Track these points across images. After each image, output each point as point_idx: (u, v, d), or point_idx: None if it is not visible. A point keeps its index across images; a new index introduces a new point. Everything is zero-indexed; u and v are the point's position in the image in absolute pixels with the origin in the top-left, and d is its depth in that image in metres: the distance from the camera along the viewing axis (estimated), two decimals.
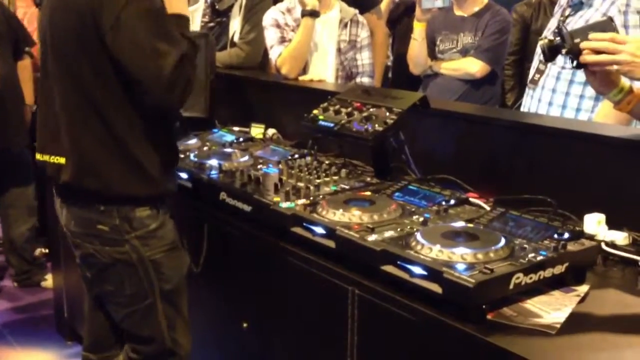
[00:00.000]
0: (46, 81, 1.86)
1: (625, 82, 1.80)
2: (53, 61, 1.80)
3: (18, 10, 4.38)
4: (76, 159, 1.78)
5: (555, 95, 2.49)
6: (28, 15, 4.40)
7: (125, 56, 1.68)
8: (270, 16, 3.24)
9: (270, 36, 3.21)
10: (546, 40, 1.78)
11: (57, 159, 1.81)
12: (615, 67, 1.67)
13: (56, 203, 1.95)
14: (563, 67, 2.46)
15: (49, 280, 3.86)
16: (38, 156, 1.89)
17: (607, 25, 1.72)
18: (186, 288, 1.98)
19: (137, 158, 1.78)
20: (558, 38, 1.75)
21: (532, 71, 2.63)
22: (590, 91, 2.42)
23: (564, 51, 1.74)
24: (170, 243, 1.90)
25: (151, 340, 1.93)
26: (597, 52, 1.69)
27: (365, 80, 3.32)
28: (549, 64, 2.51)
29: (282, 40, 3.18)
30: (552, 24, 2.61)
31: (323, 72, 3.22)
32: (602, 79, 1.78)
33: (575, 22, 2.46)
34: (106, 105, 1.74)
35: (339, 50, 3.27)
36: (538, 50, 2.65)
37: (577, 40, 1.68)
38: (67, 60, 1.77)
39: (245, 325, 2.02)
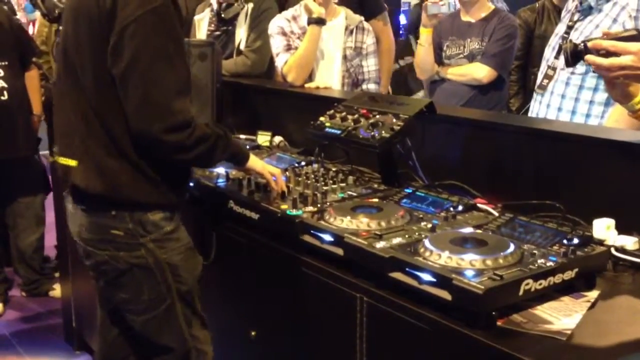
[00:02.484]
0: (60, 86, 1.87)
1: None
2: (64, 68, 1.82)
3: None
4: (87, 163, 1.78)
5: (564, 101, 2.48)
6: None
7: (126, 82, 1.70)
8: (276, 24, 3.25)
9: (276, 44, 3.21)
10: (571, 44, 1.73)
11: (67, 161, 1.81)
12: (622, 72, 1.64)
13: (68, 210, 1.93)
14: (572, 73, 2.45)
15: (57, 290, 3.86)
16: (55, 157, 1.90)
17: (635, 39, 1.67)
18: (199, 288, 1.97)
19: (144, 169, 1.77)
20: (583, 44, 1.70)
21: (540, 76, 2.62)
22: (600, 97, 2.41)
23: (588, 57, 1.69)
24: (186, 244, 1.89)
25: (171, 347, 1.91)
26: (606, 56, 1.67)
27: (372, 86, 3.32)
28: (558, 69, 2.50)
29: (288, 47, 3.19)
30: (560, 29, 2.60)
31: (329, 79, 3.22)
32: (622, 89, 1.76)
33: (584, 27, 2.45)
34: (109, 117, 1.74)
35: (344, 57, 3.27)
36: (546, 55, 2.64)
37: (602, 52, 1.65)
38: (75, 69, 1.78)
39: (253, 333, 2.01)
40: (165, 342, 1.92)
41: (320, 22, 3.10)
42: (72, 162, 1.80)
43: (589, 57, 1.66)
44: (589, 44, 1.66)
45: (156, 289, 1.84)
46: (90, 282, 3.12)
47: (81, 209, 1.84)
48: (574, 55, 1.71)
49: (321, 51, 3.22)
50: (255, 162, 2.00)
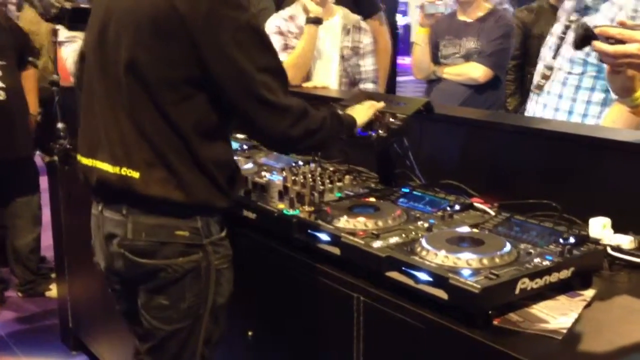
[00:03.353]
0: (107, 99, 1.77)
1: None
2: (130, 80, 1.71)
3: None
4: (160, 174, 1.71)
5: (561, 101, 2.49)
6: None
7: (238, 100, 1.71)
8: (273, 24, 3.25)
9: (274, 44, 3.21)
10: (583, 27, 1.71)
11: (129, 172, 1.74)
12: (626, 59, 1.63)
13: (104, 218, 1.82)
14: (570, 73, 2.45)
15: (53, 290, 3.86)
16: (109, 167, 1.77)
17: None
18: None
19: (212, 172, 1.74)
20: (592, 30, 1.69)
21: (536, 76, 2.62)
22: (597, 97, 2.41)
23: (595, 43, 1.67)
24: (230, 254, 1.86)
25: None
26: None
27: (369, 86, 3.32)
28: (555, 69, 2.51)
29: (285, 47, 3.19)
30: (557, 29, 2.60)
31: (326, 78, 3.22)
32: (624, 82, 1.75)
33: None
34: (186, 129, 1.70)
35: (342, 56, 3.27)
36: (542, 55, 2.65)
37: (611, 41, 1.64)
38: (143, 80, 1.69)
39: (250, 334, 2.01)
40: (182, 354, 1.84)
41: (318, 21, 3.10)
42: (135, 174, 1.73)
43: (595, 42, 1.65)
44: (596, 30, 1.66)
45: (197, 296, 1.79)
46: (87, 283, 3.14)
47: (139, 214, 1.75)
48: (583, 38, 1.69)
49: (318, 51, 3.23)
50: (362, 118, 2.01)
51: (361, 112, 2.03)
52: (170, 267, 1.75)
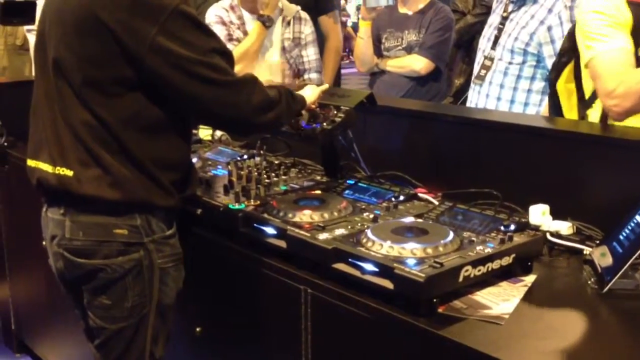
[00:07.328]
0: (51, 97, 1.75)
1: None
2: (55, 76, 1.70)
3: None
4: (93, 172, 1.69)
5: (503, 91, 2.54)
6: None
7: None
8: (214, 13, 3.22)
9: (217, 34, 3.18)
10: None
11: (63, 171, 1.71)
12: None
13: (48, 219, 1.80)
14: (510, 63, 2.51)
15: None
16: (49, 168, 1.75)
17: None
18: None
19: (151, 169, 1.71)
20: None
21: (477, 67, 2.67)
22: (537, 85, 2.48)
23: None
24: (178, 254, 1.84)
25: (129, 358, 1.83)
26: None
27: (314, 76, 3.32)
28: (495, 60, 2.56)
29: (230, 37, 3.16)
30: (494, 20, 2.65)
31: (269, 71, 3.21)
32: None
33: (520, 18, 2.50)
34: (117, 125, 1.67)
35: (283, 48, 3.26)
36: (481, 46, 2.70)
37: None
38: (69, 80, 1.68)
39: (198, 329, 2.00)
40: (129, 353, 1.82)
41: (268, 22, 3.10)
42: (68, 172, 1.71)
43: None
44: None
45: (140, 296, 1.77)
46: (29, 285, 3.06)
47: (77, 213, 1.73)
48: None
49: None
50: (311, 97, 2.00)
51: (309, 92, 2.03)
52: (109, 267, 1.73)
